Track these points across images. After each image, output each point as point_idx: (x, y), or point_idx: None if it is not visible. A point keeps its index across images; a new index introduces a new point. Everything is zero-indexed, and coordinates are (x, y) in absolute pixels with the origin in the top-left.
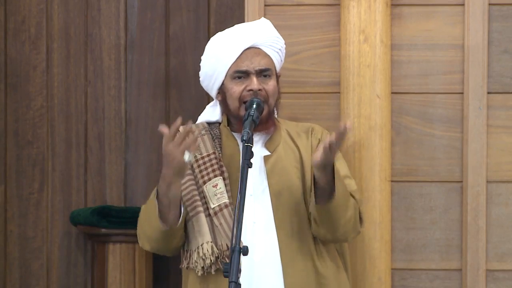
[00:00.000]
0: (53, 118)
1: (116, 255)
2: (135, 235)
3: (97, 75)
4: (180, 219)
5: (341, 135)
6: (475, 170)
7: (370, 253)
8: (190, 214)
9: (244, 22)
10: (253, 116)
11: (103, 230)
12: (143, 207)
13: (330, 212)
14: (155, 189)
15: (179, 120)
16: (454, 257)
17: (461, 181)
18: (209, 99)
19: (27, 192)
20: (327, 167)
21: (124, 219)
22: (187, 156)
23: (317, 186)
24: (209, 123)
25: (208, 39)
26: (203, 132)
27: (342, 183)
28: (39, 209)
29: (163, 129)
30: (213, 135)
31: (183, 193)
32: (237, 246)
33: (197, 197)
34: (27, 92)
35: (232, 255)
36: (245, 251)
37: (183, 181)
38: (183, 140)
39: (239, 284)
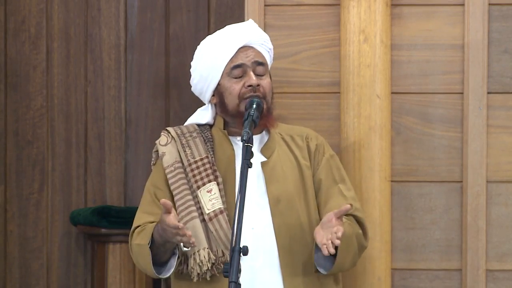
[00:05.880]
0: (53, 118)
1: (116, 255)
2: None
3: (97, 75)
4: (173, 269)
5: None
6: (475, 170)
7: (370, 253)
8: (185, 219)
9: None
10: (253, 116)
11: (103, 230)
12: (136, 240)
13: (335, 270)
14: (150, 229)
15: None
16: (454, 257)
17: (461, 181)
18: None
19: (27, 192)
20: None
21: (124, 219)
22: (183, 248)
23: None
24: (199, 125)
25: None
26: (194, 134)
27: (347, 238)
28: (39, 209)
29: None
30: (204, 137)
31: (177, 197)
32: (237, 246)
33: (192, 202)
34: (27, 92)
35: (232, 255)
36: (245, 251)
37: (176, 185)
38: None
39: (239, 284)
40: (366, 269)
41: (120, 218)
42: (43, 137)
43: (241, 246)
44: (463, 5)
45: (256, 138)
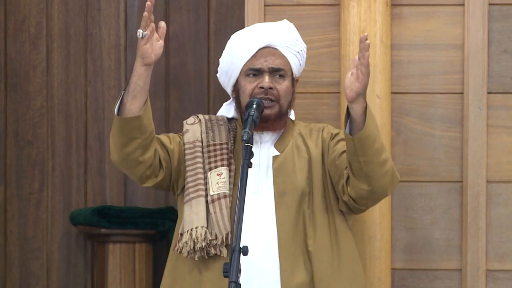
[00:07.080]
0: (53, 118)
1: (116, 255)
2: (135, 235)
3: (97, 75)
4: (141, 111)
5: (365, 48)
6: (475, 170)
7: (370, 253)
8: (191, 195)
9: (244, 22)
10: (253, 116)
11: (103, 230)
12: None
13: (363, 146)
14: None
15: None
16: (454, 257)
17: (461, 181)
18: (209, 99)
19: (27, 192)
20: (361, 97)
21: (124, 219)
22: (139, 33)
23: (352, 122)
24: (228, 119)
25: (208, 39)
26: (221, 122)
27: (374, 120)
28: (39, 209)
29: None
30: (230, 128)
31: (189, 173)
32: (237, 246)
33: (202, 181)
34: (27, 92)
35: (232, 255)
36: (245, 251)
37: (191, 162)
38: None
39: (239, 284)
40: (366, 269)
41: (120, 218)
42: (43, 137)
43: (241, 246)
44: (463, 5)
45: (273, 133)
